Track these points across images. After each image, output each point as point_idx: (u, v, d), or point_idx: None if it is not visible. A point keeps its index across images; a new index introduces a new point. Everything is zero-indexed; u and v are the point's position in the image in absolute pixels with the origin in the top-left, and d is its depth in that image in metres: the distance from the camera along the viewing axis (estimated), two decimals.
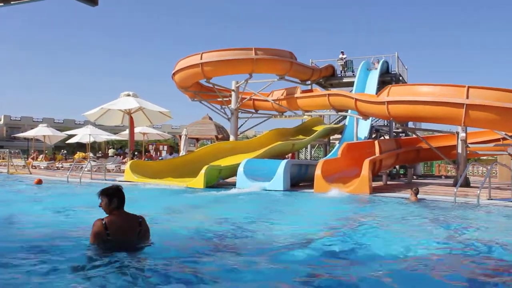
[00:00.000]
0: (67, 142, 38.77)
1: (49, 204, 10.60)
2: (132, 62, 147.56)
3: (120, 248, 4.97)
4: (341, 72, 27.90)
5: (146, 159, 27.25)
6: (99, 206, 5.18)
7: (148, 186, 15.79)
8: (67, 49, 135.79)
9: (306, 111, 24.80)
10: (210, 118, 31.67)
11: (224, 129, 30.55)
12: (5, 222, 7.79)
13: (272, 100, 25.34)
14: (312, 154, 33.20)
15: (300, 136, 24.84)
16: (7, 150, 26.41)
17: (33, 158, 31.15)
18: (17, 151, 31.29)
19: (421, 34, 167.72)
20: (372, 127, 24.04)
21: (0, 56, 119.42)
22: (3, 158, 28.53)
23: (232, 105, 24.43)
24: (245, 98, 25.28)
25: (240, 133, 27.29)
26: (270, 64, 22.42)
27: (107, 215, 5.15)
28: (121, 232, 5.05)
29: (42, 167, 28.29)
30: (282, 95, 25.13)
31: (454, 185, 15.84)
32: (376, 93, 20.84)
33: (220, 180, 16.75)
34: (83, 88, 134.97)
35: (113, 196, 5.14)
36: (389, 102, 17.40)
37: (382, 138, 25.48)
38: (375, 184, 16.46)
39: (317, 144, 32.74)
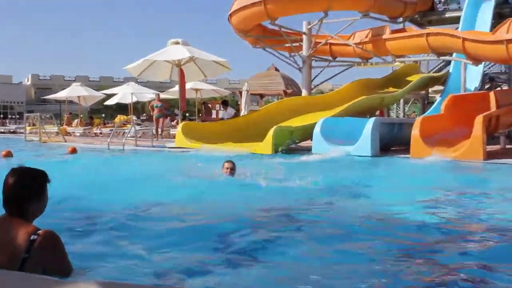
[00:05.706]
0: (105, 103, 39.99)
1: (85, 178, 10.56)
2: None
3: None
4: (443, 5, 26.84)
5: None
6: None
7: (203, 152, 15.99)
8: None
9: (398, 57, 24.13)
10: (277, 69, 31.62)
11: (294, 82, 30.44)
12: None
13: (354, 44, 24.78)
14: (405, 111, 32.55)
15: (391, 89, 24.37)
16: (38, 114, 27.25)
17: (67, 124, 32.31)
18: (48, 115, 32.49)
19: None
20: (485, 74, 23.22)
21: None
22: (34, 124, 29.76)
23: (304, 52, 24.21)
24: (320, 42, 24.87)
25: (314, 87, 27.08)
26: None
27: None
28: None
29: (78, 134, 29.47)
30: (366, 37, 24.48)
31: None
32: (491, 30, 20.01)
33: (291, 144, 16.80)
34: (121, 39, 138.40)
35: None
36: (509, 41, 16.63)
37: (499, 89, 24.48)
38: (489, 148, 15.91)
39: (412, 99, 32.10)
